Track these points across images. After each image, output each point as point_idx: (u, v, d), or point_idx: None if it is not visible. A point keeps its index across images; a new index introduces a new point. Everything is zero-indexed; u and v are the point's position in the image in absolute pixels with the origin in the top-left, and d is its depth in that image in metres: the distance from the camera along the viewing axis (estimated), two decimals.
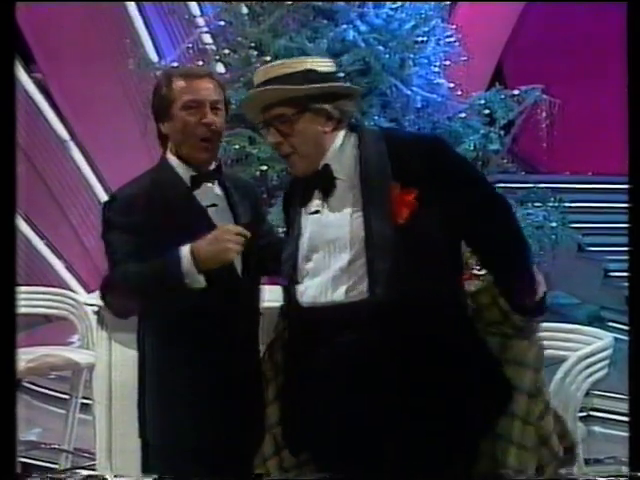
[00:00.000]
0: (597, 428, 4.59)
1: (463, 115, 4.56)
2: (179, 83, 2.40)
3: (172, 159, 2.45)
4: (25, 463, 4.10)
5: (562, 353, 3.18)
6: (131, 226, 2.34)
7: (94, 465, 3.91)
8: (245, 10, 4.87)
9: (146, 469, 2.50)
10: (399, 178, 2.21)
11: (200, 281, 2.25)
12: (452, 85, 4.65)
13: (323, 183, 2.31)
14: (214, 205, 2.42)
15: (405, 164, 2.22)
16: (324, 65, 2.35)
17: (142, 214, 2.35)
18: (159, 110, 2.43)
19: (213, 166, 2.46)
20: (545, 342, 3.30)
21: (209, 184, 2.43)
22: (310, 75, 2.28)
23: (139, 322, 2.51)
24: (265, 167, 4.35)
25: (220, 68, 4.93)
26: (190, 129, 2.38)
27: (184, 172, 2.43)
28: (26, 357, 3.90)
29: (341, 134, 2.32)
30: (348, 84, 2.39)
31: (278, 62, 2.40)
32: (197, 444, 2.38)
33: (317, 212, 2.30)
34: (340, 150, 2.32)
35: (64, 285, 6.28)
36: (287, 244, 2.37)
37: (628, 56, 2.16)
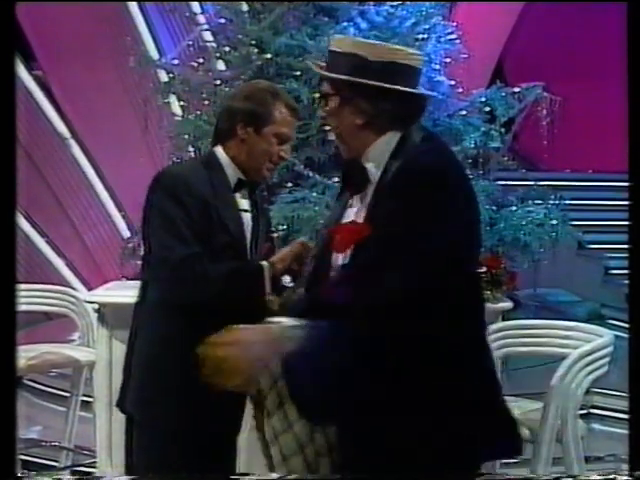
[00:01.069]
0: (597, 426, 4.60)
1: (464, 113, 4.55)
2: (283, 111, 2.56)
3: (223, 157, 2.58)
4: (25, 461, 4.10)
5: (562, 350, 3.19)
6: (197, 205, 2.45)
7: (95, 463, 3.91)
8: (245, 8, 4.87)
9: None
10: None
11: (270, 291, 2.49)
12: (453, 83, 4.63)
13: (355, 182, 2.25)
14: (247, 211, 2.58)
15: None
16: (374, 52, 2.17)
17: (196, 196, 2.46)
18: (252, 118, 2.55)
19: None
20: (545, 339, 3.33)
21: (245, 191, 2.59)
22: (356, 61, 2.15)
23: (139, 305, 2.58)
24: None
25: (221, 65, 4.92)
26: (269, 153, 2.55)
27: (232, 173, 2.56)
28: (27, 354, 3.91)
29: (386, 136, 2.18)
30: (392, 86, 2.12)
31: (347, 39, 2.39)
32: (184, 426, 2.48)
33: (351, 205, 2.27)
34: (380, 154, 2.19)
35: (64, 283, 6.29)
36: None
37: (628, 56, 2.16)
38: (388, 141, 2.18)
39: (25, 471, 3.96)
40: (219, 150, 2.58)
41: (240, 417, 2.58)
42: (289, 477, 2.20)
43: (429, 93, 2.27)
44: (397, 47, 2.30)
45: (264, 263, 2.49)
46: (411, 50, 2.27)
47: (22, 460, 3.97)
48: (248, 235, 2.55)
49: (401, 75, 2.16)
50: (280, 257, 2.53)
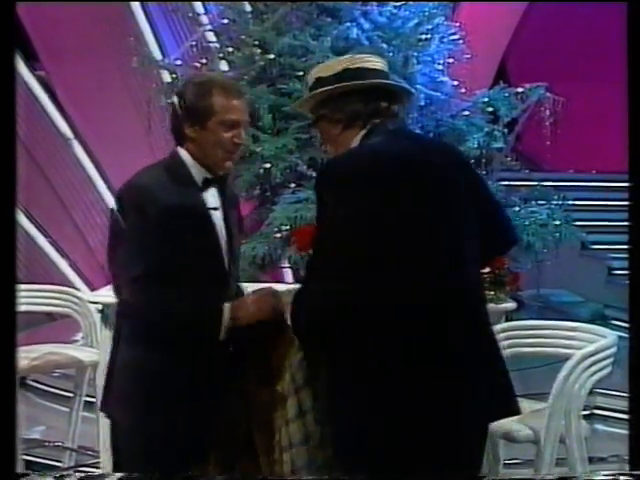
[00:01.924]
0: (600, 426, 4.59)
1: (467, 113, 4.56)
2: (220, 98, 2.50)
3: (186, 157, 2.53)
4: (29, 461, 4.10)
5: (565, 351, 3.18)
6: (153, 216, 2.42)
7: (98, 463, 3.92)
8: (249, 8, 4.88)
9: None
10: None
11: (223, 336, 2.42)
12: (456, 83, 4.65)
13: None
14: (216, 209, 2.52)
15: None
16: (330, 69, 2.33)
17: (162, 205, 2.43)
18: (193, 115, 2.51)
19: (225, 172, 2.57)
20: (548, 340, 3.32)
21: (214, 188, 2.54)
22: (319, 83, 2.33)
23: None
24: (269, 165, 4.36)
25: (223, 66, 4.93)
26: (220, 144, 2.50)
27: (197, 173, 2.52)
28: (30, 355, 3.91)
29: (359, 135, 2.28)
30: (341, 84, 2.25)
31: (312, 72, 2.44)
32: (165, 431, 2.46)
33: None
34: None
35: (68, 283, 6.29)
36: None
37: (628, 56, 2.16)
38: (360, 138, 2.28)
39: (29, 471, 3.97)
40: (182, 151, 2.54)
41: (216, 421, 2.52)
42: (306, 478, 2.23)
43: (386, 82, 2.30)
44: (348, 56, 2.47)
45: (225, 305, 2.42)
46: (363, 55, 2.40)
47: (25, 460, 3.97)
48: (221, 234, 2.51)
49: (357, 77, 2.29)
50: (242, 304, 2.47)
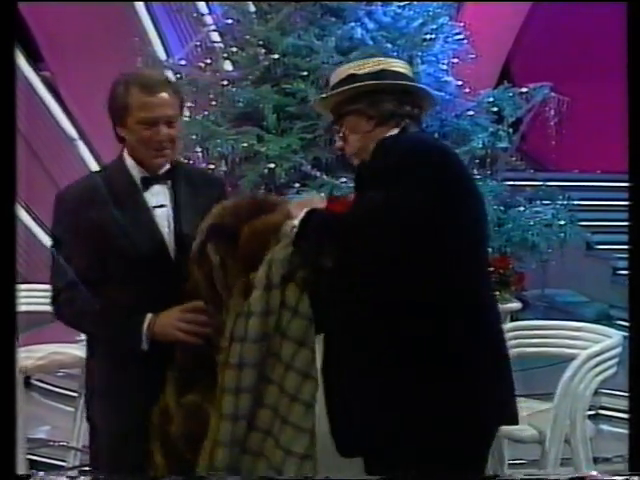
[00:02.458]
0: (605, 427, 4.58)
1: (471, 113, 4.54)
2: (136, 96, 2.44)
3: (128, 159, 2.52)
4: (33, 460, 4.11)
5: (570, 351, 3.18)
6: (83, 223, 2.43)
7: None
8: (253, 8, 4.87)
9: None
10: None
11: (146, 347, 2.38)
12: (460, 83, 4.63)
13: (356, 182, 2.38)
14: (162, 206, 2.49)
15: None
16: (364, 68, 2.36)
17: (93, 210, 2.43)
18: (115, 115, 2.49)
19: (166, 168, 2.52)
20: (553, 340, 3.32)
21: (160, 186, 2.51)
22: (349, 79, 2.34)
23: None
24: (273, 165, 4.35)
25: (228, 66, 4.92)
26: (144, 142, 2.45)
27: (137, 173, 2.51)
28: (35, 354, 3.92)
29: (390, 133, 2.30)
30: (377, 82, 2.29)
31: (344, 66, 2.46)
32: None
33: None
34: None
35: None
36: None
37: (628, 56, 2.16)
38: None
39: (33, 471, 3.97)
40: (125, 153, 2.53)
41: None
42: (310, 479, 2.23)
43: (420, 86, 2.40)
44: (386, 59, 2.48)
45: (148, 316, 2.38)
46: (396, 61, 2.44)
47: (30, 460, 3.97)
48: (166, 229, 2.46)
49: (393, 78, 2.33)
50: (163, 318, 2.38)
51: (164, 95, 2.45)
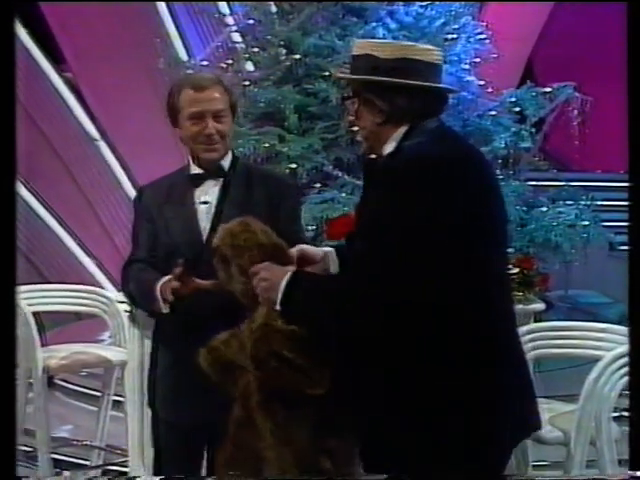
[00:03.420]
0: None
1: (494, 113, 4.53)
2: (187, 94, 2.58)
3: (190, 160, 2.67)
4: (57, 459, 4.13)
5: (595, 352, 3.15)
6: (145, 216, 2.65)
7: (126, 461, 3.94)
8: (274, 9, 4.88)
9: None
10: None
11: (165, 310, 2.49)
12: (482, 82, 4.62)
13: (366, 175, 2.34)
14: (205, 202, 2.61)
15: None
16: (386, 51, 2.20)
17: (153, 207, 2.64)
18: (171, 117, 2.65)
19: (218, 165, 2.63)
20: (578, 341, 3.30)
21: (212, 182, 2.62)
22: (367, 60, 2.21)
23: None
24: (294, 165, 4.35)
25: (249, 66, 4.93)
26: (193, 137, 2.58)
27: (193, 169, 2.65)
28: (58, 354, 3.93)
29: (401, 130, 2.20)
30: (390, 79, 2.15)
31: (364, 41, 2.37)
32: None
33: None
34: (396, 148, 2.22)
35: (95, 283, 6.33)
36: None
37: (628, 56, 2.15)
38: (402, 134, 2.19)
39: (57, 469, 4.00)
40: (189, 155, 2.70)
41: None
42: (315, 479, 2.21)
43: (440, 86, 2.23)
44: (409, 44, 2.33)
45: (164, 278, 2.48)
46: (424, 46, 2.29)
47: (54, 459, 3.99)
48: (205, 225, 2.58)
49: (413, 70, 2.17)
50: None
51: (212, 91, 2.58)
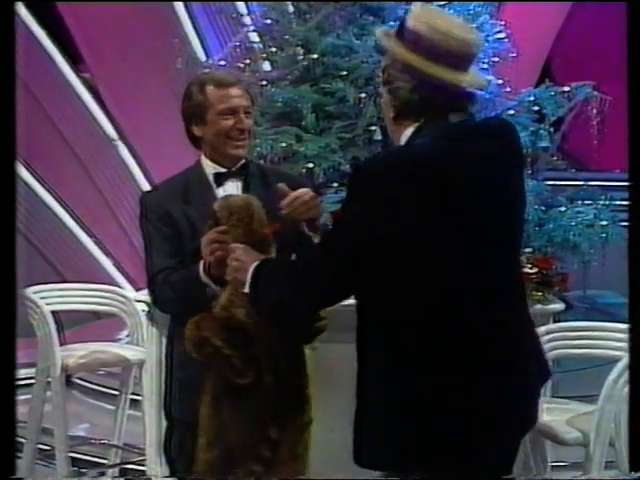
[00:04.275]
0: None
1: (512, 112, 4.50)
2: (213, 91, 2.60)
3: (205, 161, 2.68)
4: (75, 458, 4.15)
5: (615, 353, 3.14)
6: (162, 221, 2.60)
7: (143, 460, 3.95)
8: (292, 8, 4.87)
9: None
10: None
11: (215, 289, 2.43)
12: (501, 82, 4.59)
13: None
14: None
15: None
16: (430, 30, 2.13)
17: (172, 210, 2.60)
18: (193, 115, 2.65)
19: (239, 165, 2.66)
20: (597, 342, 3.28)
21: (234, 182, 2.64)
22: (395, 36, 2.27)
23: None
24: (312, 165, 4.34)
25: (266, 66, 4.93)
26: (225, 132, 2.60)
27: (210, 171, 2.66)
28: (76, 353, 3.96)
29: (409, 130, 2.16)
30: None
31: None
32: None
33: None
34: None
35: (113, 282, 6.35)
36: None
37: (628, 56, 2.14)
38: (410, 134, 2.16)
39: (75, 468, 4.02)
40: (202, 156, 2.69)
41: None
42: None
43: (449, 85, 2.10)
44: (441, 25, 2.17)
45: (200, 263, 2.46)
46: (471, 37, 2.17)
47: (72, 458, 4.01)
48: None
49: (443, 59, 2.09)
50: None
51: (237, 88, 2.63)
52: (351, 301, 2.18)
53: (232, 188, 2.62)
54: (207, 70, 4.87)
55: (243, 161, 2.67)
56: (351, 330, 2.19)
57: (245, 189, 2.62)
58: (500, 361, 2.12)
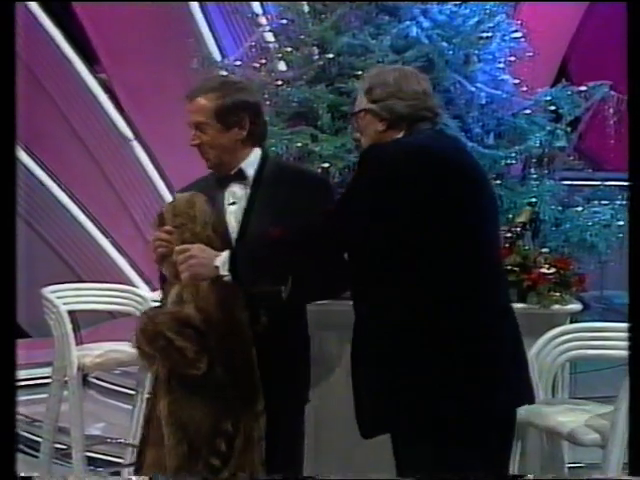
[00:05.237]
0: None
1: (528, 111, 4.48)
2: (185, 102, 2.78)
3: None
4: (91, 457, 4.16)
5: None
6: None
7: None
8: (307, 8, 4.87)
9: None
10: None
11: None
12: (517, 81, 4.58)
13: None
14: (233, 203, 2.75)
15: None
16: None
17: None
18: None
19: (236, 169, 2.76)
20: (615, 342, 3.26)
21: (238, 184, 2.75)
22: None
23: None
24: (327, 164, 4.34)
25: (282, 66, 4.93)
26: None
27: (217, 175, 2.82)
28: (93, 352, 3.97)
29: (399, 136, 2.45)
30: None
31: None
32: None
33: None
34: None
35: (129, 282, 6.37)
36: None
37: (628, 56, 2.14)
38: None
39: (91, 467, 4.03)
40: None
41: None
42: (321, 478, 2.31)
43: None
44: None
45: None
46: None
47: (88, 457, 4.03)
48: (234, 225, 2.71)
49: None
50: None
51: (197, 99, 2.72)
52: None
53: (235, 190, 2.75)
54: (224, 71, 4.89)
55: (255, 163, 2.76)
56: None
57: (252, 190, 2.72)
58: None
